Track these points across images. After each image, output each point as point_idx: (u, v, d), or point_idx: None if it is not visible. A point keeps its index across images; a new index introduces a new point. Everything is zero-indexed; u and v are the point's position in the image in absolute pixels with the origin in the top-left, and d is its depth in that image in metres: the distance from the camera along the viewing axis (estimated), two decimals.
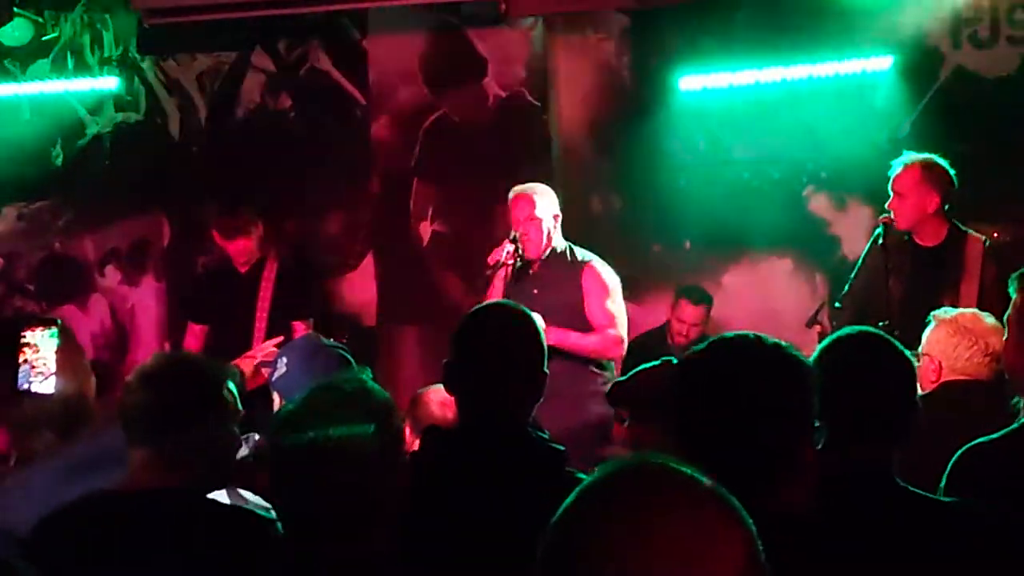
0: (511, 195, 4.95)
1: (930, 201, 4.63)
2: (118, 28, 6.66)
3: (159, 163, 6.93)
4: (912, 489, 2.07)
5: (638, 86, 6.45)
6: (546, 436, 2.42)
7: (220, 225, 5.56)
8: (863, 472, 2.06)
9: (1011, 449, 2.39)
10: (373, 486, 1.90)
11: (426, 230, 6.66)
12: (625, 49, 6.52)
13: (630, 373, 3.05)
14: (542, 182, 5.12)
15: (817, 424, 1.95)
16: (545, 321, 2.59)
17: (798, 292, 6.27)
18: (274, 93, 6.89)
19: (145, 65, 6.90)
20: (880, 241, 4.67)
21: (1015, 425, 2.45)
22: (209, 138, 6.97)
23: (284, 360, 3.21)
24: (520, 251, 4.81)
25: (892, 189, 4.68)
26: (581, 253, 4.95)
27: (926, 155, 4.69)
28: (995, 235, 5.04)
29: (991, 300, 4.04)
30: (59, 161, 7.01)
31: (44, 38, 6.47)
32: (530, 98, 6.54)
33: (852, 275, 4.91)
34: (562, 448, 2.38)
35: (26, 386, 2.65)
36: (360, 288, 6.78)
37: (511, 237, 4.82)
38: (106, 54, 6.66)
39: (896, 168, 4.69)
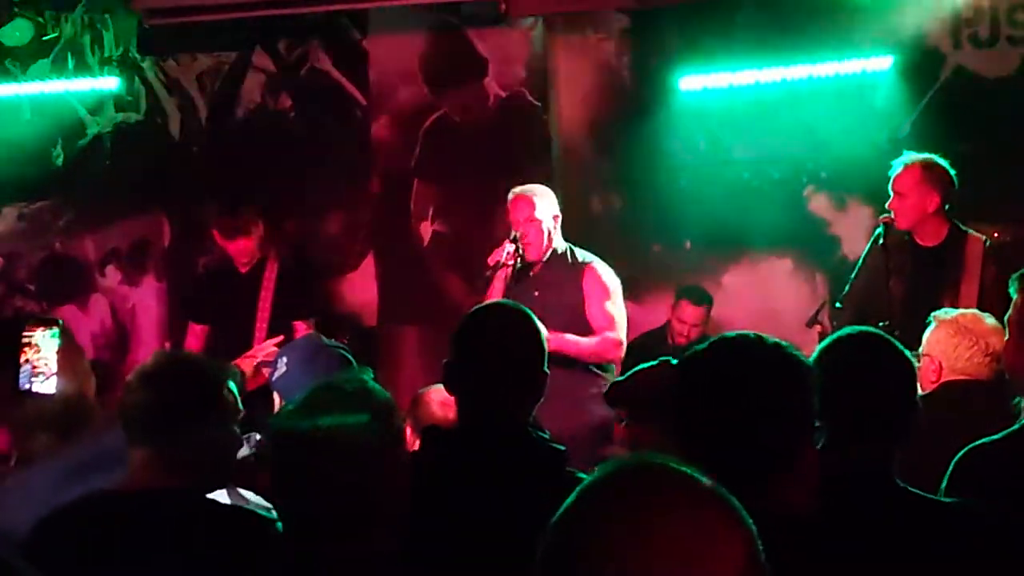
0: (510, 196, 4.94)
1: (930, 201, 4.63)
2: (118, 28, 6.64)
3: (159, 163, 6.93)
4: (912, 489, 2.07)
5: (638, 86, 6.45)
6: (547, 436, 2.42)
7: (220, 225, 5.55)
8: (863, 472, 2.06)
9: (1012, 450, 2.39)
10: (373, 486, 1.90)
11: (426, 230, 6.66)
12: (625, 49, 6.51)
13: (628, 373, 3.05)
14: (542, 182, 5.12)
15: (817, 424, 1.95)
16: (545, 323, 2.58)
17: (798, 292, 6.27)
18: (274, 93, 6.89)
19: (145, 65, 6.90)
20: (880, 241, 4.68)
21: (1016, 426, 2.45)
22: (209, 138, 6.97)
23: (284, 360, 3.21)
24: (520, 251, 4.81)
25: (892, 189, 4.68)
26: (582, 254, 4.94)
27: (926, 155, 4.69)
28: (995, 235, 5.03)
29: (991, 300, 4.04)
30: (59, 161, 7.01)
31: (44, 38, 6.44)
32: (530, 98, 6.54)
33: (852, 275, 4.91)
34: (563, 448, 2.37)
35: (27, 386, 2.64)
36: (361, 288, 6.78)
37: (511, 237, 4.82)
38: (106, 54, 6.65)
39: (896, 168, 4.69)
